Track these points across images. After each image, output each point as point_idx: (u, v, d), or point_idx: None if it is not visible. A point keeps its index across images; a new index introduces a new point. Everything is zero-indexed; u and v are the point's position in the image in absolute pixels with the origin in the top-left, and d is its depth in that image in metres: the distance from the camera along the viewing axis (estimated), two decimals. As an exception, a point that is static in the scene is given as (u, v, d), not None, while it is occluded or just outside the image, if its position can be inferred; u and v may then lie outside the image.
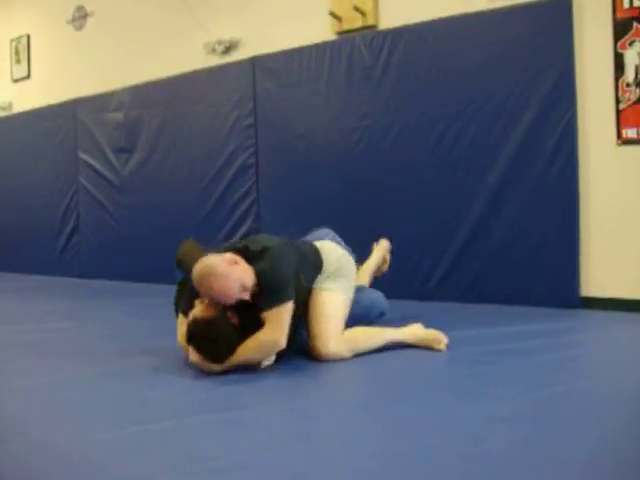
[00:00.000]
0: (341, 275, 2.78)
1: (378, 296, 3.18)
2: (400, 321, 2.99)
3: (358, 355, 2.66)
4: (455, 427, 1.83)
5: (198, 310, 2.47)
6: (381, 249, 3.49)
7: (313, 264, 2.75)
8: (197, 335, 2.42)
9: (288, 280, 2.47)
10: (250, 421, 1.95)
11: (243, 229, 5.00)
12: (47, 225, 6.60)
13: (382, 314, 3.13)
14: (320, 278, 2.74)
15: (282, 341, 2.44)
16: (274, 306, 2.42)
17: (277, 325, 2.42)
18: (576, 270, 3.65)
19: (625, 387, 2.22)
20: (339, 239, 3.11)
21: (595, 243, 3.64)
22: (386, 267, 3.48)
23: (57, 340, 3.27)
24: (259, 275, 2.44)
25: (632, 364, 2.57)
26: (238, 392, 2.25)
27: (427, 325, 2.86)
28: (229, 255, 2.47)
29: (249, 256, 2.50)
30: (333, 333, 2.62)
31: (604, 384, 2.26)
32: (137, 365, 2.66)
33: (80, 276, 6.31)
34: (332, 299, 2.69)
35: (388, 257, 3.50)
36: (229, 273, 2.38)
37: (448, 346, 2.73)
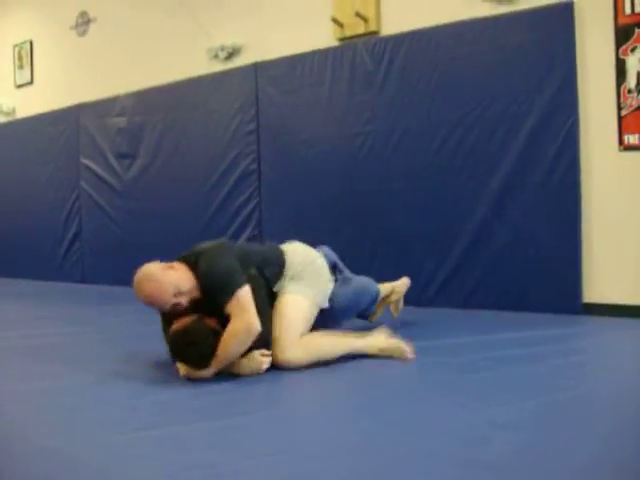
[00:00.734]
0: (303, 278, 2.73)
1: (366, 281, 3.10)
2: (400, 327, 2.98)
3: (359, 360, 2.64)
4: (457, 433, 1.82)
5: (175, 325, 2.48)
6: (398, 283, 3.36)
7: (274, 262, 2.73)
8: (177, 344, 2.43)
9: (230, 271, 2.48)
10: (246, 428, 1.94)
11: (245, 235, 5.01)
12: (49, 230, 6.61)
13: (374, 300, 3.10)
14: (284, 280, 2.72)
15: (255, 323, 2.42)
16: (231, 297, 2.42)
17: (242, 311, 2.42)
18: (578, 276, 3.64)
19: (628, 393, 2.21)
20: (335, 257, 3.07)
21: (597, 249, 3.63)
22: (394, 297, 3.32)
23: (57, 345, 3.27)
24: (202, 277, 2.48)
25: (635, 370, 2.56)
26: (233, 399, 2.25)
27: (428, 332, 2.85)
28: (171, 263, 2.53)
29: (191, 262, 2.53)
30: (290, 339, 2.57)
31: (607, 390, 2.25)
32: (135, 371, 2.65)
33: (82, 281, 6.32)
34: (292, 302, 2.66)
35: (400, 290, 3.34)
36: (162, 278, 2.44)
37: (451, 352, 2.70)
